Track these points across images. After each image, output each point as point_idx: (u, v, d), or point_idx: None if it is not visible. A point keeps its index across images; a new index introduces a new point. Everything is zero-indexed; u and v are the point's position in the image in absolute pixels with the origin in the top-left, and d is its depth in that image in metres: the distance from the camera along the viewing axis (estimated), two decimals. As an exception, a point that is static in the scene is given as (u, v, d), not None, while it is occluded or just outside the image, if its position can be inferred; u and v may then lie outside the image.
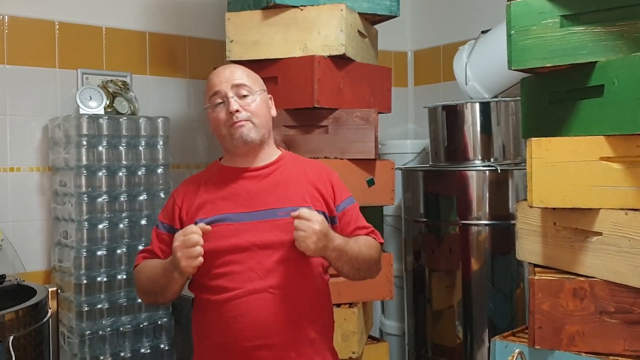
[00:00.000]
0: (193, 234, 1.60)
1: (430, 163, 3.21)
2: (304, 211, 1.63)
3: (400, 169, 3.22)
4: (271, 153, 1.87)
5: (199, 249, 1.60)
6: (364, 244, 1.79)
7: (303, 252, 1.66)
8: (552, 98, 1.97)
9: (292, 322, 1.71)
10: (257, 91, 1.82)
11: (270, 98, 1.90)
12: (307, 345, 1.75)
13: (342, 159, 2.52)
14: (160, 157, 2.92)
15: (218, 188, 1.81)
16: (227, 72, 1.82)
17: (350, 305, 2.53)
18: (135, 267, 1.86)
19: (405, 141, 3.76)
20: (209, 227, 1.65)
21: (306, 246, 1.62)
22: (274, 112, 1.90)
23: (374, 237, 1.87)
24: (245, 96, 1.78)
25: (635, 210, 1.68)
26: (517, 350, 0.81)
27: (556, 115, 1.94)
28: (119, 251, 2.80)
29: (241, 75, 1.82)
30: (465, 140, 2.95)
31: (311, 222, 1.62)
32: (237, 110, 1.75)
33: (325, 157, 2.51)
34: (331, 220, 1.82)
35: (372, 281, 2.57)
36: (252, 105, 1.78)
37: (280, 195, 1.78)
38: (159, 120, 2.92)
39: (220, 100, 1.78)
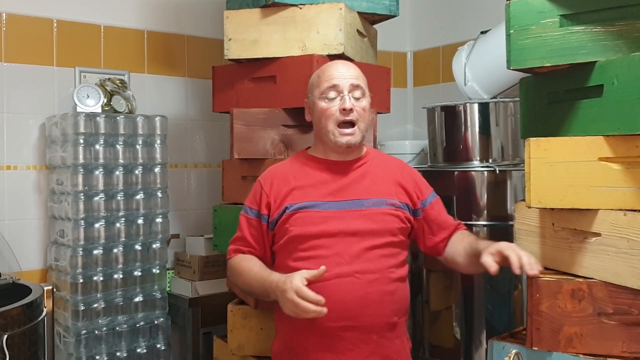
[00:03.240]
0: (309, 310, 1.64)
1: (429, 164, 3.19)
2: (516, 252, 1.71)
3: (398, 169, 3.21)
4: (360, 149, 1.97)
5: (310, 315, 1.66)
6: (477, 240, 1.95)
7: (389, 241, 1.84)
8: (551, 98, 1.96)
9: (376, 306, 1.80)
10: (367, 95, 1.91)
11: (370, 102, 1.97)
12: (388, 329, 1.84)
13: (340, 159, 2.50)
14: (158, 156, 2.91)
15: (307, 176, 1.92)
16: (345, 69, 1.89)
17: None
18: (229, 259, 1.97)
19: (404, 142, 3.74)
20: (319, 274, 1.70)
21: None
22: (371, 117, 2.03)
23: (465, 229, 2.05)
24: (358, 98, 1.87)
25: (634, 211, 1.67)
26: (513, 351, 0.80)
27: (555, 116, 1.93)
28: (115, 250, 2.79)
29: (358, 75, 1.91)
30: (464, 141, 2.94)
31: (521, 250, 1.74)
32: (351, 109, 1.84)
33: (323, 157, 2.50)
34: (414, 212, 1.96)
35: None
36: (363, 107, 1.88)
37: (367, 186, 1.90)
38: (157, 119, 2.91)
39: (334, 95, 1.87)
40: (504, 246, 1.71)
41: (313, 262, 1.80)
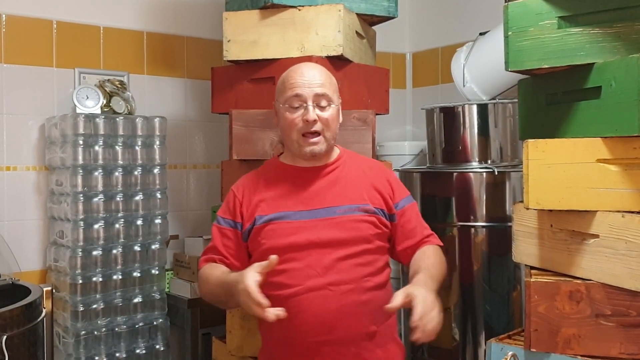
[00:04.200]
0: (258, 314, 1.56)
1: (428, 165, 3.20)
2: (420, 309, 1.57)
3: (397, 170, 3.21)
4: (330, 154, 1.90)
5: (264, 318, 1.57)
6: (438, 262, 1.84)
7: (363, 249, 1.77)
8: (549, 99, 1.96)
9: (352, 318, 1.74)
10: (334, 102, 1.83)
11: (340, 104, 1.90)
12: (367, 339, 1.77)
13: (339, 160, 2.51)
14: (157, 157, 2.91)
15: (277, 185, 1.86)
16: (311, 75, 1.81)
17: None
18: (199, 270, 1.88)
19: (403, 143, 3.75)
20: (273, 261, 1.60)
21: (434, 331, 1.59)
22: (341, 118, 1.90)
23: (435, 244, 1.91)
24: (323, 107, 1.80)
25: (632, 212, 1.68)
26: (510, 353, 0.80)
27: (553, 117, 1.93)
28: (114, 251, 2.80)
29: (324, 82, 1.82)
30: (463, 142, 2.94)
31: (430, 312, 1.59)
32: (315, 120, 1.78)
33: (322, 158, 2.50)
34: (390, 217, 1.87)
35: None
36: (329, 117, 1.81)
37: (338, 193, 1.82)
38: (156, 120, 2.91)
39: (297, 104, 1.79)
40: (417, 294, 1.60)
41: (286, 276, 1.75)
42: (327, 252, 1.75)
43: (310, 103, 1.78)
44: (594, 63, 1.78)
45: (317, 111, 1.78)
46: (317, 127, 1.79)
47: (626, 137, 1.69)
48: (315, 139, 1.80)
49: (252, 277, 1.56)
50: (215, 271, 1.80)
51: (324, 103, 1.79)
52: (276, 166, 1.93)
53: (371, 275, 1.79)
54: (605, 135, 1.73)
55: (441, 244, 1.93)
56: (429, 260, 1.82)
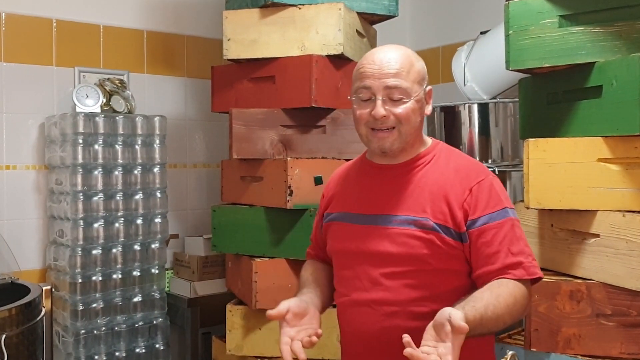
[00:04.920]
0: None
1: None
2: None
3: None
4: (415, 150, 1.59)
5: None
6: (505, 297, 1.41)
7: (416, 270, 1.49)
8: (550, 99, 1.96)
9: (393, 345, 1.43)
10: (412, 95, 1.52)
11: (429, 92, 1.60)
12: None
13: (340, 159, 2.50)
14: (157, 156, 2.91)
15: (351, 182, 1.69)
16: (384, 63, 1.52)
17: (346, 306, 2.51)
18: (305, 261, 1.84)
19: (403, 142, 3.74)
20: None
21: None
22: (428, 110, 1.60)
23: (519, 277, 1.46)
24: (396, 101, 1.51)
25: (633, 212, 1.67)
26: (510, 352, 0.79)
27: (554, 116, 1.93)
28: (114, 250, 2.79)
29: (399, 71, 1.51)
30: (463, 141, 2.94)
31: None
32: (384, 116, 1.50)
33: (322, 157, 2.50)
34: (459, 236, 1.50)
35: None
36: (403, 112, 1.51)
37: (401, 199, 1.55)
38: (156, 119, 2.91)
39: (367, 97, 1.53)
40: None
41: (340, 283, 1.63)
42: (376, 266, 1.54)
43: (379, 97, 1.51)
44: (595, 62, 1.78)
45: (390, 105, 1.51)
46: (389, 122, 1.51)
47: (627, 137, 1.69)
48: (384, 134, 1.52)
49: (285, 335, 1.48)
50: (304, 275, 1.73)
51: (397, 96, 1.50)
52: (360, 160, 1.72)
53: (426, 300, 1.49)
54: (606, 135, 1.73)
55: (534, 275, 1.47)
56: (493, 291, 1.41)
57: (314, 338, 1.46)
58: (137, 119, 2.86)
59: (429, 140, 1.63)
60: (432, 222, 1.50)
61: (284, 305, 1.49)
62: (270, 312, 1.48)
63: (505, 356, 0.83)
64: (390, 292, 1.50)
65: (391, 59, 1.53)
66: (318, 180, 2.43)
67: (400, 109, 1.51)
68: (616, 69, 1.70)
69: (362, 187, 1.63)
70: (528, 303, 1.47)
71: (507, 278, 1.45)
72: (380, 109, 1.50)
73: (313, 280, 1.67)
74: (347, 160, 2.49)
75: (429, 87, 1.59)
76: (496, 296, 1.39)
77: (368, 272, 1.54)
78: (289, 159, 2.39)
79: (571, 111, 1.86)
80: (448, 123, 2.98)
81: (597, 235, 1.73)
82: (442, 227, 1.50)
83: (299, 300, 1.53)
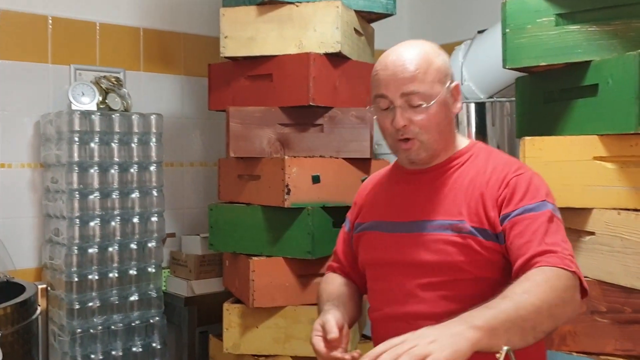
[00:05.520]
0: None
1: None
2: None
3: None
4: (449, 151, 1.49)
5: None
6: (536, 287, 1.21)
7: (453, 279, 1.37)
8: (546, 97, 1.96)
9: None
10: (433, 99, 1.40)
11: (455, 87, 1.47)
12: None
13: (337, 158, 2.50)
14: (153, 154, 2.90)
15: (384, 190, 1.59)
16: (398, 67, 1.41)
17: (343, 304, 2.51)
18: (325, 275, 1.71)
19: (400, 141, 3.74)
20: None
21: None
22: (457, 108, 1.48)
23: (553, 265, 1.26)
24: (416, 106, 1.40)
25: (628, 210, 1.68)
26: (505, 348, 0.80)
27: (550, 115, 1.93)
28: (110, 249, 2.79)
29: (415, 75, 1.40)
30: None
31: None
32: (405, 126, 1.40)
33: (320, 156, 2.49)
34: (496, 238, 1.37)
35: (365, 281, 2.57)
36: (424, 118, 1.40)
37: (436, 203, 1.45)
38: (152, 117, 2.90)
39: (385, 106, 1.43)
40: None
41: (372, 297, 1.55)
42: (411, 276, 1.43)
43: (398, 104, 1.40)
44: (591, 61, 1.78)
45: (409, 113, 1.40)
46: (410, 133, 1.41)
47: (623, 135, 1.69)
48: (408, 145, 1.42)
49: (317, 343, 1.35)
50: (327, 288, 1.61)
51: (416, 102, 1.39)
52: (392, 167, 1.63)
53: (464, 311, 1.25)
54: (602, 133, 1.73)
55: (565, 265, 1.26)
56: (522, 285, 1.22)
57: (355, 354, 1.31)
58: (133, 117, 2.85)
59: (465, 140, 1.53)
60: (468, 225, 1.38)
61: (332, 319, 1.35)
62: (331, 337, 1.32)
63: (500, 352, 0.83)
64: (426, 305, 1.38)
65: (405, 60, 1.41)
66: (316, 179, 2.43)
67: (421, 117, 1.40)
68: (612, 67, 1.70)
69: (394, 194, 1.54)
70: (573, 297, 1.24)
71: (538, 267, 1.26)
72: (399, 120, 1.39)
73: (338, 296, 1.54)
74: (345, 158, 2.52)
75: (454, 83, 1.47)
76: (526, 288, 1.19)
77: (403, 284, 1.44)
78: (286, 157, 2.39)
79: (567, 110, 1.87)
80: (445, 122, 2.99)
81: (593, 233, 1.74)
82: (479, 229, 1.38)
83: (341, 316, 1.40)
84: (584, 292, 1.29)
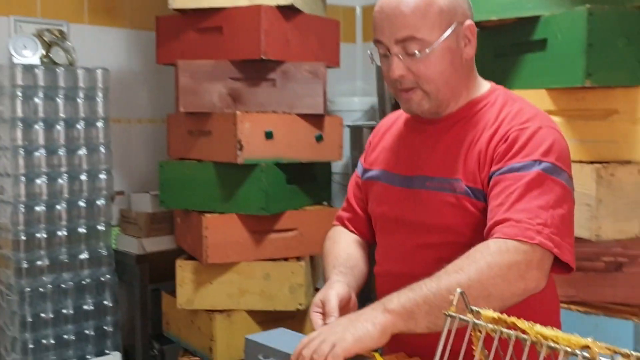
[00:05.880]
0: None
1: (378, 120, 3.21)
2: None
3: (348, 126, 3.21)
4: (463, 99, 1.34)
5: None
6: (472, 269, 1.12)
7: (450, 242, 1.28)
8: (497, 52, 1.98)
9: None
10: (433, 43, 1.25)
11: (467, 28, 1.29)
12: None
13: (290, 114, 2.49)
14: (100, 110, 2.83)
15: (398, 133, 1.46)
16: (392, 9, 1.25)
17: (298, 259, 2.53)
18: (332, 226, 1.59)
19: (352, 98, 3.75)
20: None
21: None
22: (469, 52, 1.31)
23: (509, 236, 1.14)
24: (412, 54, 1.25)
25: (574, 162, 1.72)
26: (458, 290, 0.82)
27: (501, 69, 1.96)
28: (58, 207, 2.72)
29: (410, 18, 1.24)
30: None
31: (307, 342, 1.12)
32: (402, 76, 1.27)
33: (273, 112, 2.47)
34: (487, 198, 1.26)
35: (319, 236, 2.58)
36: (423, 67, 1.26)
37: (438, 159, 1.33)
38: (98, 71, 2.82)
39: (383, 52, 1.30)
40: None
41: (378, 250, 1.48)
42: (410, 235, 1.36)
43: (394, 51, 1.26)
44: (540, 15, 1.80)
45: (408, 62, 1.26)
46: (409, 83, 1.28)
47: (571, 89, 1.73)
48: (408, 95, 1.29)
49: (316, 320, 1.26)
50: (334, 249, 1.49)
51: (413, 48, 1.25)
52: None
53: None
54: (550, 87, 1.76)
55: (524, 237, 1.13)
56: (460, 262, 1.14)
57: None
58: (78, 71, 2.76)
59: (485, 86, 1.37)
60: (463, 184, 1.27)
61: (334, 298, 1.25)
62: (330, 309, 1.24)
63: (453, 294, 0.86)
64: (421, 266, 1.23)
65: (401, 2, 1.25)
66: (269, 135, 2.42)
67: (419, 65, 1.25)
68: (561, 22, 1.73)
69: (405, 143, 1.42)
70: (524, 274, 1.12)
71: (493, 237, 1.16)
72: (394, 70, 1.26)
73: (346, 260, 1.43)
74: (298, 114, 2.51)
75: (466, 23, 1.29)
76: (454, 271, 1.10)
77: (403, 242, 1.37)
78: (238, 112, 2.36)
79: (517, 64, 1.90)
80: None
81: (541, 186, 1.78)
82: (473, 189, 1.27)
83: (345, 288, 1.31)
84: (565, 265, 1.17)
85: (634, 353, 0.66)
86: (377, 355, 1.14)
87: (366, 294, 1.43)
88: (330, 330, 1.11)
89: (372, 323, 1.09)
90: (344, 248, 1.48)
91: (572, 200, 1.23)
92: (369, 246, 1.54)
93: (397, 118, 1.49)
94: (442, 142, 1.33)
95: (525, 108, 1.29)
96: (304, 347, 1.10)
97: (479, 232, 1.23)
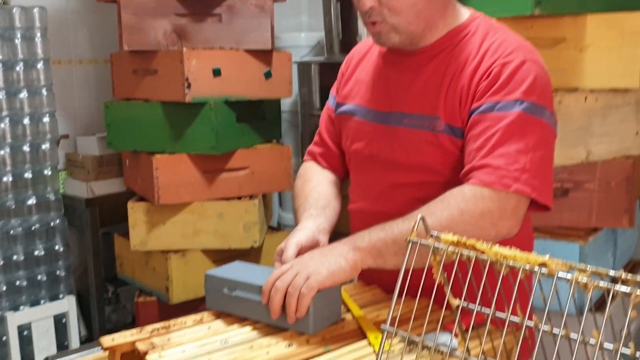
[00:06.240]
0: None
1: (325, 56, 3.19)
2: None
3: (295, 62, 3.18)
4: (440, 31, 1.26)
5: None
6: (443, 215, 1.12)
7: (427, 181, 1.26)
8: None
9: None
10: None
11: None
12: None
13: (238, 50, 2.45)
14: (39, 51, 2.72)
15: (369, 66, 1.39)
16: None
17: (251, 197, 2.54)
18: (303, 162, 1.53)
19: (299, 34, 3.69)
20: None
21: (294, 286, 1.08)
22: None
23: (484, 184, 1.13)
24: None
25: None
26: (419, 215, 0.84)
27: None
28: (2, 152, 2.64)
29: None
30: (360, 31, 2.94)
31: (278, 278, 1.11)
32: (371, 7, 1.20)
33: (220, 48, 2.43)
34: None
35: (271, 174, 2.60)
36: (392, 1, 1.19)
37: (416, 94, 1.27)
38: (35, 10, 2.69)
39: None
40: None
41: (352, 187, 1.44)
42: (385, 174, 1.32)
43: None
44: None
45: None
46: (377, 16, 1.21)
47: (520, 17, 1.74)
48: (376, 28, 1.23)
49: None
50: (304, 189, 1.43)
51: None
52: None
53: None
54: (500, 16, 1.77)
55: (500, 185, 1.12)
56: (433, 205, 1.15)
57: None
58: (14, 10, 2.63)
59: (464, 13, 1.29)
60: (443, 121, 1.23)
61: (292, 247, 1.21)
62: (286, 257, 1.19)
63: (414, 220, 0.88)
64: (396, 205, 1.24)
65: None
66: (216, 72, 2.38)
67: None
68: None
69: (381, 76, 1.35)
70: (497, 222, 1.12)
71: (469, 183, 1.15)
72: (364, 1, 1.20)
73: (316, 200, 1.38)
74: (246, 50, 2.46)
75: None
76: (427, 214, 1.02)
77: (378, 180, 1.34)
78: (184, 49, 2.31)
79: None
80: (345, 13, 2.97)
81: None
82: (453, 127, 1.22)
83: (309, 234, 1.26)
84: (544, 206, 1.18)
85: (589, 267, 0.70)
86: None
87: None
88: (303, 263, 1.12)
89: (344, 259, 1.11)
90: (315, 187, 1.42)
91: (554, 136, 1.22)
92: (342, 182, 1.50)
93: (370, 46, 1.41)
94: (421, 77, 1.27)
95: (508, 39, 1.23)
96: (277, 279, 1.10)
97: (457, 171, 1.21)
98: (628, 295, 0.67)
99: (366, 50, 1.42)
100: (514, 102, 1.16)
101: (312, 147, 1.54)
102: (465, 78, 1.21)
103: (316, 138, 1.53)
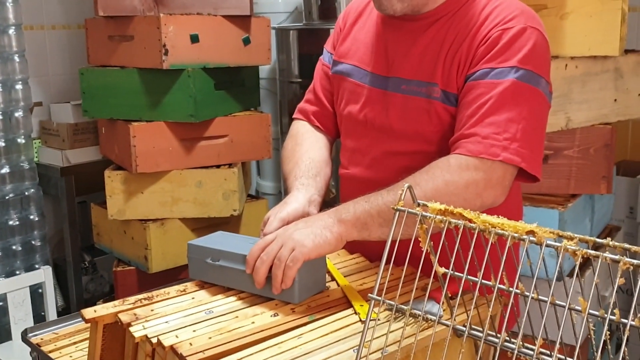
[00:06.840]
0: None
1: (304, 22, 3.14)
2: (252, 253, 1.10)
3: (273, 28, 3.12)
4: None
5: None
6: (428, 187, 1.10)
7: (420, 150, 1.24)
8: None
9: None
10: None
11: None
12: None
13: (216, 16, 2.40)
14: (11, 16, 2.65)
15: (367, 27, 1.35)
16: None
17: (230, 165, 2.52)
18: (292, 120, 1.48)
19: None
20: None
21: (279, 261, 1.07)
22: None
23: (470, 153, 1.12)
24: None
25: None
26: (406, 185, 0.83)
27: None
28: (-28, 120, 2.58)
29: None
30: (339, -4, 2.90)
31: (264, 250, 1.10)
32: None
33: (197, 14, 2.38)
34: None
35: (250, 142, 2.58)
36: None
37: (415, 60, 1.24)
38: (5, -27, 2.61)
39: None
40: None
41: (343, 152, 1.40)
42: (378, 140, 1.30)
43: None
44: None
45: None
46: None
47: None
48: None
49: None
50: (295, 152, 1.39)
51: None
52: None
53: None
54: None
55: (488, 155, 1.11)
56: (419, 176, 1.13)
57: None
58: (-18, -28, 2.55)
59: None
60: (439, 88, 1.21)
61: (276, 222, 1.18)
62: (268, 231, 1.17)
63: (401, 189, 0.87)
64: (388, 174, 1.23)
65: None
66: (194, 38, 2.33)
67: None
68: None
69: (380, 38, 1.31)
70: (482, 192, 1.11)
71: (456, 152, 1.14)
72: None
73: (307, 168, 1.34)
74: (224, 16, 2.42)
75: None
76: (412, 185, 0.93)
77: (370, 147, 1.31)
78: (162, 15, 2.25)
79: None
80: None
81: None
82: (449, 94, 1.20)
83: (298, 208, 1.23)
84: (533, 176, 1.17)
85: (576, 235, 0.70)
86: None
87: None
88: (288, 235, 1.10)
89: (329, 231, 1.10)
90: (307, 151, 1.38)
91: (548, 106, 1.20)
92: (333, 143, 1.47)
93: (368, 3, 1.37)
94: (420, 42, 1.24)
95: (510, 5, 1.20)
96: (262, 251, 1.09)
97: (449, 140, 1.19)
98: (616, 262, 0.67)
99: (363, 7, 1.39)
100: (510, 69, 1.14)
101: (304, 105, 1.48)
102: (464, 44, 1.19)
103: (309, 95, 1.48)
